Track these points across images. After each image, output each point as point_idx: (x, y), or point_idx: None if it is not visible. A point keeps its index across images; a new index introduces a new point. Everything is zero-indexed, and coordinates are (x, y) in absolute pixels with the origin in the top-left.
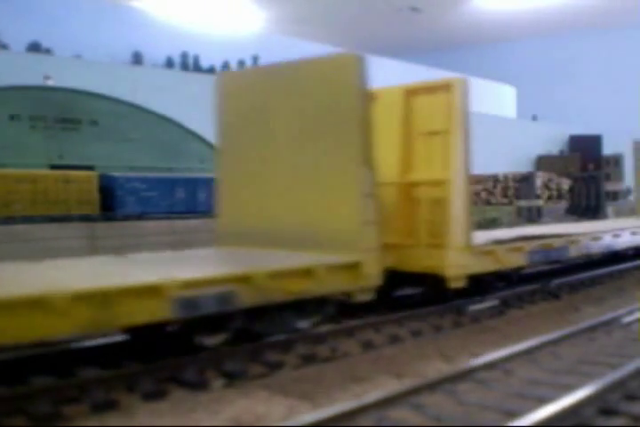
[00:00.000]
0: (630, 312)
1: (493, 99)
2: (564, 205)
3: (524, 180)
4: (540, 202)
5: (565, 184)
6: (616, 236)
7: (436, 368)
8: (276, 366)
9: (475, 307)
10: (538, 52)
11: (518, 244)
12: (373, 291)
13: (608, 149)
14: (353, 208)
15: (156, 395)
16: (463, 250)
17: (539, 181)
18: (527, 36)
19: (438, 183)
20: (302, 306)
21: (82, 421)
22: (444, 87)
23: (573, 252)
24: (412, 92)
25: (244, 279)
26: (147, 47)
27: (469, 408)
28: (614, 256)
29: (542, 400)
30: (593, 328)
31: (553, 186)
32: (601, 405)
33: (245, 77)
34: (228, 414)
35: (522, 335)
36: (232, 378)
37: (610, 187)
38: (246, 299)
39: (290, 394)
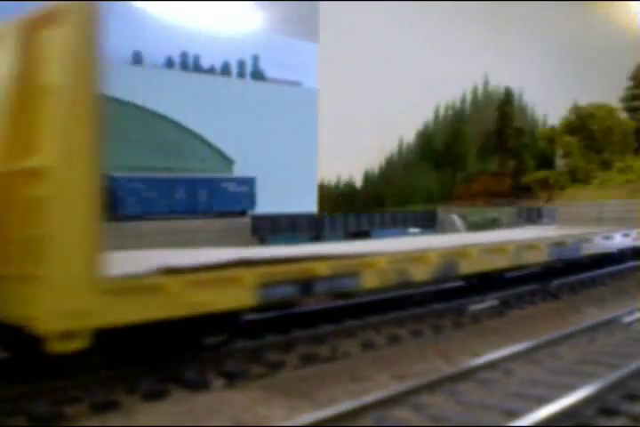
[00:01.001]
0: (630, 312)
1: None
2: None
3: None
4: (540, 202)
5: None
6: (463, 255)
7: (437, 368)
8: (276, 367)
9: (475, 307)
10: None
11: (229, 273)
12: None
13: None
14: None
15: (156, 395)
16: (78, 286)
17: None
18: None
19: (35, 174)
20: None
21: (82, 421)
22: (63, 16)
23: (369, 280)
24: (34, 26)
25: None
26: (147, 47)
27: (469, 408)
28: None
29: (542, 400)
30: (593, 328)
31: None
32: (601, 405)
33: None
34: (228, 415)
35: (522, 336)
36: (232, 378)
37: None
38: None
39: (290, 394)
